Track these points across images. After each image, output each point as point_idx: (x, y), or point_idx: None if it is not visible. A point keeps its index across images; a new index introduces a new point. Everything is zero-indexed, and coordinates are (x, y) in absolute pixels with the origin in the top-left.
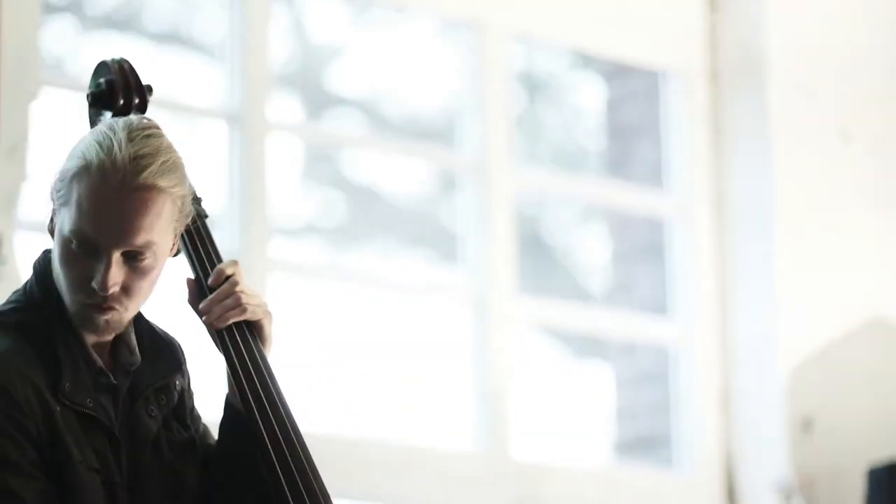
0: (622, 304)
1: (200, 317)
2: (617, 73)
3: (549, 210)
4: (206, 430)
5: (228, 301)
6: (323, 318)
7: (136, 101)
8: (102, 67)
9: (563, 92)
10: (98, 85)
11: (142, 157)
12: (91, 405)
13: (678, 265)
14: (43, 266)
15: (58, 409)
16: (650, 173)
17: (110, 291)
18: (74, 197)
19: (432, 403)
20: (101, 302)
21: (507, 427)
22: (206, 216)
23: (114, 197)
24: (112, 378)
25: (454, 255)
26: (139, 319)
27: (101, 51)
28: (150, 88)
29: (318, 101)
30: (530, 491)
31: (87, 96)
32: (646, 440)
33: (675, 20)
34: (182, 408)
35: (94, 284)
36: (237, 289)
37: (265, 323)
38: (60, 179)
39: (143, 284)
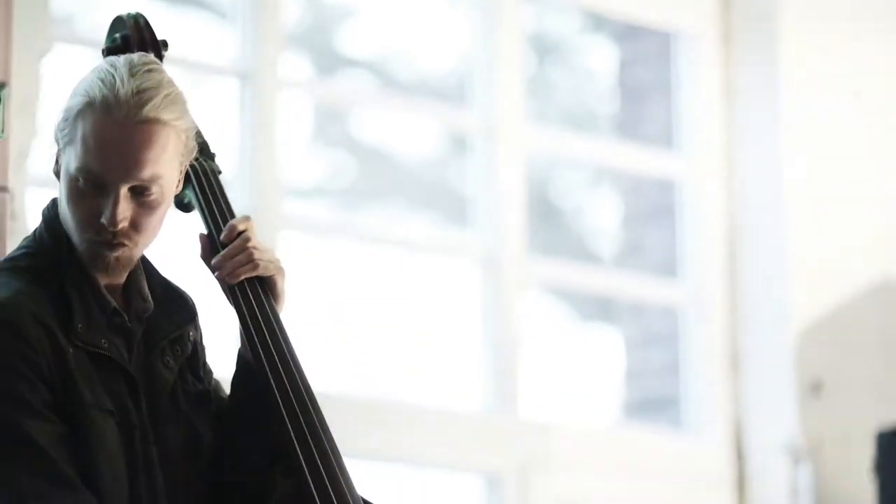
0: (632, 265)
1: (213, 272)
2: (628, 35)
3: (557, 173)
4: (217, 385)
5: (240, 256)
6: (333, 278)
7: (152, 55)
8: (118, 22)
9: (573, 54)
10: (113, 40)
11: (144, 90)
12: (106, 345)
13: (688, 227)
14: (51, 212)
15: (70, 350)
16: (661, 134)
17: (119, 226)
18: (79, 134)
19: (442, 363)
20: (110, 238)
21: (516, 387)
22: (220, 172)
23: (119, 131)
24: (126, 319)
25: (463, 218)
26: (151, 271)
27: (110, 8)
28: (164, 43)
29: (328, 61)
30: (539, 450)
31: (103, 51)
32: (655, 402)
33: None
34: (195, 360)
35: (104, 220)
36: (249, 244)
37: (278, 279)
38: (64, 119)
39: (152, 220)
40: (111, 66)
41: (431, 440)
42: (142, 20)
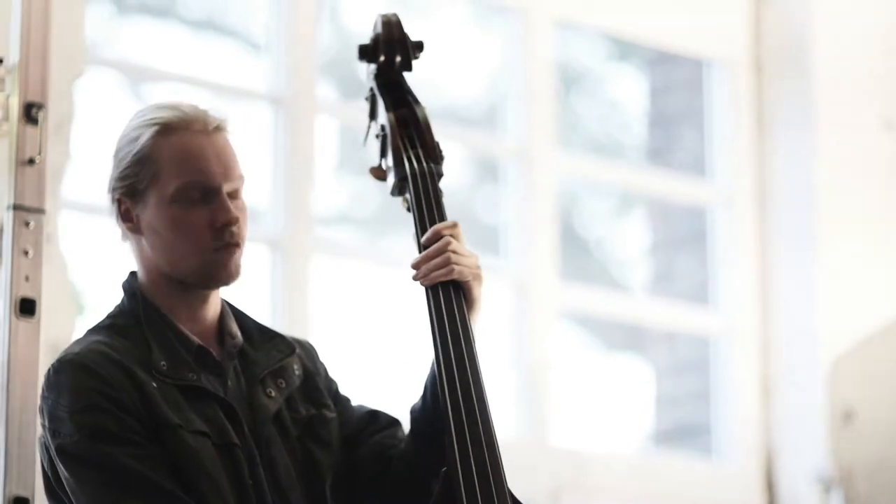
0: (663, 293)
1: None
2: (660, 62)
3: (582, 202)
4: (357, 406)
5: (438, 260)
6: (362, 305)
7: (399, 58)
8: (376, 21)
9: (601, 83)
10: (369, 38)
11: (201, 108)
12: (194, 378)
13: (720, 255)
14: (131, 283)
15: (153, 384)
16: (693, 162)
17: (237, 220)
18: (165, 158)
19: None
20: (229, 239)
21: (546, 414)
22: (442, 175)
23: (204, 139)
24: (216, 356)
25: (488, 246)
26: (243, 316)
27: (142, 32)
28: (418, 46)
29: (354, 89)
30: (569, 478)
31: (358, 49)
32: (686, 429)
33: (719, 9)
34: (313, 389)
35: (221, 220)
36: (449, 248)
37: (473, 286)
38: (132, 164)
39: (246, 224)
40: (143, 111)
41: None
42: (394, 20)
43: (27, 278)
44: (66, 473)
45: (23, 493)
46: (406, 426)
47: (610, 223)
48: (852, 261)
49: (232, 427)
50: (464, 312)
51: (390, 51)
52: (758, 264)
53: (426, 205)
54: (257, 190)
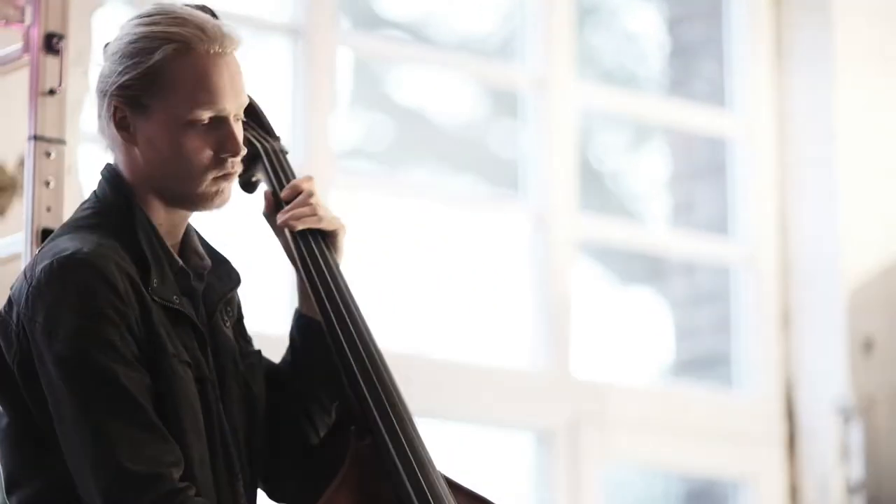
0: (683, 224)
1: (275, 227)
2: None
3: (598, 136)
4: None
5: (305, 209)
6: (382, 239)
7: None
8: None
9: (617, 15)
10: None
11: (218, 23)
12: (177, 301)
13: (739, 185)
14: (112, 173)
15: (152, 305)
16: (712, 93)
17: (241, 148)
18: (181, 78)
19: (492, 321)
20: (230, 168)
21: (567, 345)
22: (286, 152)
23: (220, 62)
24: (192, 279)
25: (505, 182)
26: (199, 236)
27: None
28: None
29: (367, 22)
30: (590, 408)
31: None
32: (706, 360)
33: None
34: (242, 323)
35: (229, 149)
36: (312, 199)
37: (339, 234)
38: (136, 77)
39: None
40: (154, 18)
41: (482, 398)
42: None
43: (49, 209)
44: (52, 377)
45: None
46: None
47: (627, 156)
48: (872, 190)
49: (202, 355)
50: (336, 260)
51: None
52: (778, 194)
53: (284, 175)
54: (275, 123)
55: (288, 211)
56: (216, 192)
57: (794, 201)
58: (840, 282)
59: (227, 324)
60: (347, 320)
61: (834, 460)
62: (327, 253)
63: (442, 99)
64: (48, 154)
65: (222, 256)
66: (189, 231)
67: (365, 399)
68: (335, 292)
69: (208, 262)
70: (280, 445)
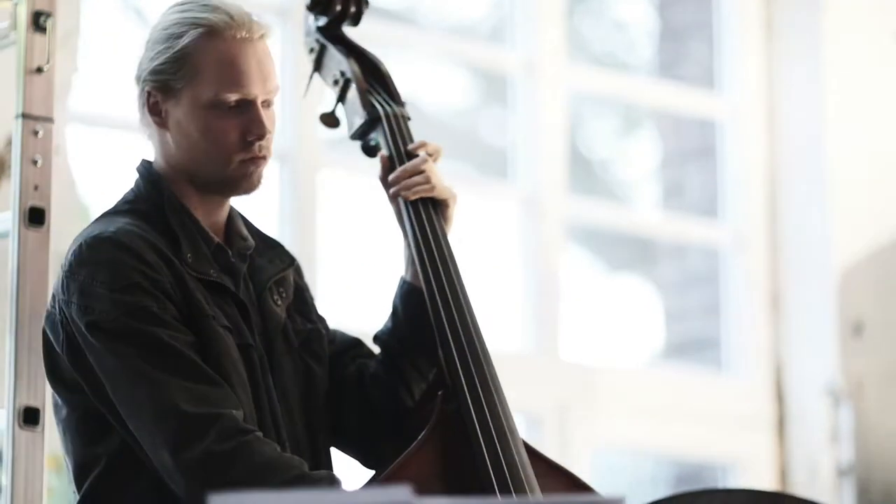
0: (673, 207)
1: (390, 190)
2: None
3: (588, 122)
4: (336, 330)
5: (418, 177)
6: (372, 222)
7: (353, 9)
8: None
9: (606, 2)
10: None
11: (247, 11)
12: (215, 275)
13: (729, 167)
14: (146, 168)
15: (184, 272)
16: (702, 75)
17: (267, 129)
18: (205, 62)
19: (482, 305)
20: (257, 151)
21: (556, 328)
22: (409, 118)
23: (248, 47)
24: (230, 255)
25: (494, 169)
26: (247, 221)
27: None
28: (367, 0)
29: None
30: (579, 391)
31: (309, 1)
32: (695, 343)
33: None
34: (303, 304)
35: (254, 132)
36: (426, 166)
37: (451, 203)
38: (166, 62)
39: (272, 135)
40: (186, 5)
41: None
42: None
43: (36, 187)
44: (98, 350)
45: (33, 402)
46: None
47: (616, 142)
48: (862, 172)
49: (245, 325)
50: (444, 229)
51: (346, 2)
52: (767, 176)
53: (402, 141)
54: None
55: (401, 179)
56: (244, 176)
57: (784, 183)
58: (830, 264)
59: (279, 303)
60: (447, 289)
61: (824, 443)
62: (436, 222)
63: (432, 86)
64: (36, 132)
65: (274, 241)
66: (233, 215)
67: (454, 364)
68: (439, 261)
69: (252, 242)
70: (377, 409)
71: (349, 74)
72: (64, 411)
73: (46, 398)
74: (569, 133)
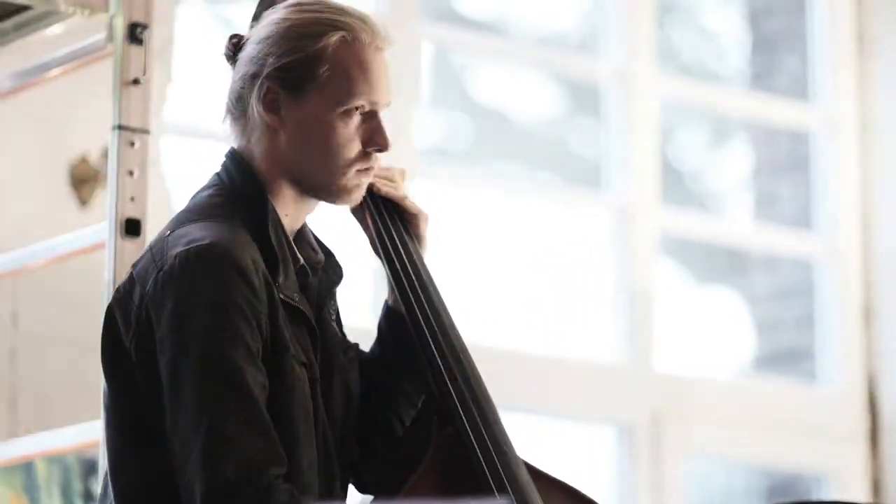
0: (765, 218)
1: (360, 219)
2: None
3: (680, 133)
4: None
5: (387, 181)
6: (466, 234)
7: None
8: None
9: (698, 12)
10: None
11: (372, 20)
12: (297, 298)
13: (822, 179)
14: (241, 159)
15: (277, 300)
16: (795, 86)
17: (390, 143)
18: (347, 66)
19: (575, 316)
20: (373, 163)
21: (649, 339)
22: None
23: (380, 58)
24: (310, 276)
25: (586, 180)
26: (310, 229)
27: None
28: None
29: (446, 18)
30: (672, 402)
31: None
32: (789, 354)
33: None
34: (339, 314)
35: (378, 143)
36: (395, 175)
37: (421, 222)
38: (299, 60)
39: None
40: (315, 6)
41: (565, 391)
42: None
43: (132, 199)
44: (177, 364)
45: None
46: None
47: (708, 153)
48: None
49: (314, 352)
50: (416, 246)
51: None
52: (860, 188)
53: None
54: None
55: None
56: (355, 186)
57: (877, 195)
58: None
59: (333, 317)
60: (427, 309)
61: None
62: (409, 242)
63: (522, 96)
64: (132, 144)
65: (329, 249)
66: (305, 222)
67: (445, 387)
68: (415, 280)
69: (321, 256)
70: (365, 437)
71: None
72: (109, 400)
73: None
74: (660, 143)
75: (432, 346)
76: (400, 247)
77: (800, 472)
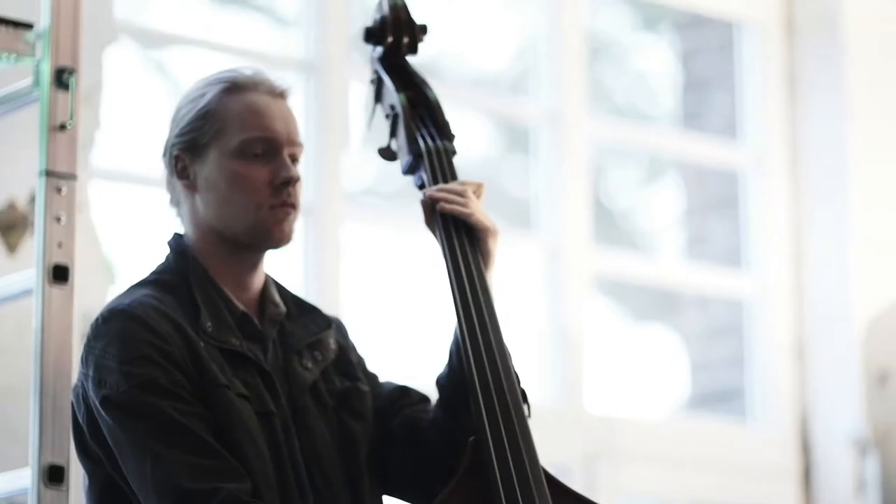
0: (696, 257)
1: (433, 229)
2: (690, 26)
3: (611, 173)
4: (386, 382)
5: (455, 196)
6: (395, 275)
7: (406, 40)
8: (381, 3)
9: (629, 52)
10: (374, 21)
11: (264, 71)
12: (237, 343)
13: (753, 218)
14: (178, 242)
15: (201, 343)
16: (725, 126)
17: (297, 177)
18: (231, 114)
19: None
20: (286, 198)
21: (581, 380)
22: (455, 153)
23: (270, 100)
24: (258, 324)
25: (518, 220)
26: (282, 288)
27: (170, 5)
28: (423, 29)
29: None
30: (604, 443)
31: (364, 31)
32: (720, 393)
33: None
34: (346, 363)
35: (283, 176)
36: (467, 191)
37: (489, 238)
38: (196, 118)
39: (301, 190)
40: (205, 77)
41: None
42: (401, 3)
43: (60, 245)
44: (109, 424)
45: (58, 461)
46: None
47: (639, 192)
48: (886, 221)
49: (270, 396)
50: (479, 261)
51: (397, 33)
52: (791, 226)
53: (443, 176)
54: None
55: (437, 192)
56: (274, 223)
57: (808, 233)
58: (854, 314)
59: (308, 365)
60: (476, 324)
61: (850, 493)
62: (470, 255)
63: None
64: (59, 189)
65: (309, 306)
66: (267, 283)
67: (479, 405)
68: (469, 296)
69: (283, 309)
70: (433, 454)
71: (397, 108)
72: (88, 482)
73: (71, 456)
74: (592, 183)
75: (472, 359)
76: (459, 254)
77: None
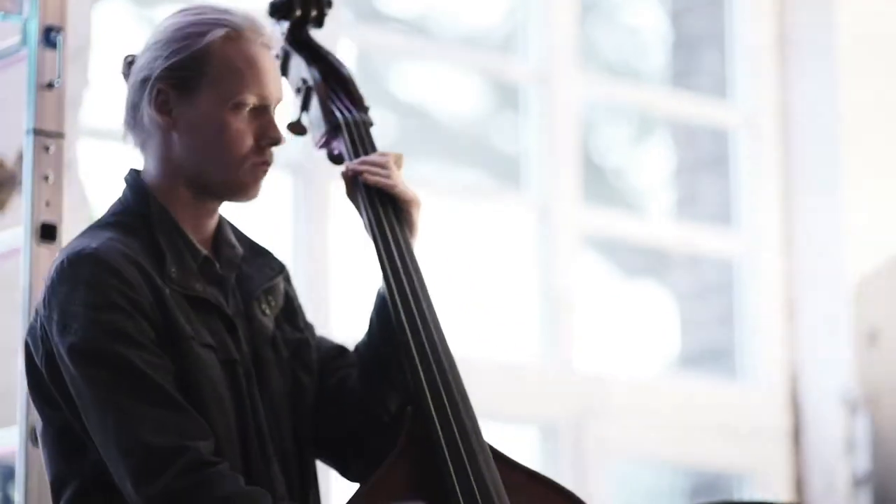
0: (686, 217)
1: (356, 203)
2: None
3: (601, 130)
4: (322, 338)
5: (378, 168)
6: None
7: (314, 12)
8: None
9: (619, 9)
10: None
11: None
12: (200, 289)
13: (742, 177)
14: (134, 177)
15: (167, 290)
16: (715, 85)
17: (283, 137)
18: (233, 62)
19: (496, 315)
20: (268, 157)
21: (570, 338)
22: (372, 124)
23: (265, 52)
24: (218, 268)
25: (507, 176)
26: (236, 229)
27: None
28: (328, 2)
29: (368, 17)
30: (594, 401)
31: (269, 5)
32: (710, 352)
33: None
34: (292, 312)
35: (270, 136)
36: (388, 163)
37: (413, 208)
38: (186, 59)
39: None
40: (201, 9)
41: (486, 391)
42: None
43: (48, 203)
44: (72, 372)
45: None
46: None
47: (629, 150)
48: (876, 180)
49: (232, 342)
50: (406, 233)
51: (305, 6)
52: (781, 185)
53: (363, 149)
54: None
55: (360, 165)
56: (252, 181)
57: (798, 192)
58: (845, 273)
59: (267, 311)
60: (409, 295)
61: (840, 452)
62: (396, 225)
63: (444, 94)
64: (47, 148)
65: (262, 248)
66: (222, 223)
67: (417, 376)
68: (399, 264)
69: (240, 250)
70: (352, 424)
71: (310, 82)
72: (43, 426)
73: None
74: (582, 141)
75: (407, 329)
76: (385, 226)
77: (723, 471)
